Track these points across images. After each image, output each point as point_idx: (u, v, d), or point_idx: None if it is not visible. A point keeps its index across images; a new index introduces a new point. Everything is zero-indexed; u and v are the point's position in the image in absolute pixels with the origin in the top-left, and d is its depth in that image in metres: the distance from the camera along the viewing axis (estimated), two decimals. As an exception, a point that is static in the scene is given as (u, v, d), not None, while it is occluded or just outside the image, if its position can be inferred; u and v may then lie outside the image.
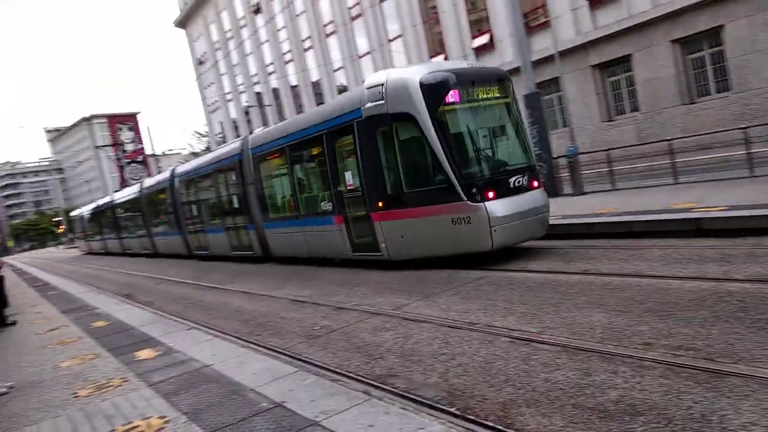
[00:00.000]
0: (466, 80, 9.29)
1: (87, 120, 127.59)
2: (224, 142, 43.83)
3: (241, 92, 49.18)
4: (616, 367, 4.19)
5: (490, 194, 8.77)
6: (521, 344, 5.05)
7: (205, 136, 63.35)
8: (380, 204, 9.94)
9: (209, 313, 9.37)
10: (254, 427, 3.91)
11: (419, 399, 4.20)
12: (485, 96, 9.49)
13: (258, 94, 46.52)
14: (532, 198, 9.35)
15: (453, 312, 6.55)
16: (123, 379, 5.70)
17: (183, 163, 30.49)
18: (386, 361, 5.30)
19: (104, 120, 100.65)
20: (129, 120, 61.95)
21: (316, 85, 39.13)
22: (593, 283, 6.67)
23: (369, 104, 9.78)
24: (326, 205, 11.52)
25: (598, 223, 9.82)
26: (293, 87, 41.77)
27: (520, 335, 5.29)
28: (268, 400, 4.38)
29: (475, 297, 7.06)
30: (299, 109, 39.69)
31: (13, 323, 10.74)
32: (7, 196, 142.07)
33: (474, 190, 8.74)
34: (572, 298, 6.21)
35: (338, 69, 36.58)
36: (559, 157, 15.41)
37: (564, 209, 11.86)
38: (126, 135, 58.78)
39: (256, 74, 46.30)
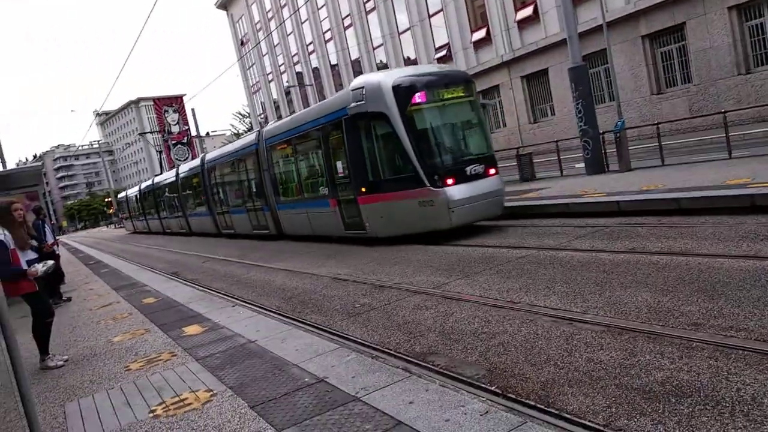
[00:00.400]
0: (433, 83, 10.75)
1: (135, 103, 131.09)
2: (266, 122, 44.30)
3: (282, 72, 49.50)
4: (662, 348, 4.08)
5: (450, 181, 10.19)
6: (563, 323, 4.98)
7: (247, 116, 64.13)
8: (363, 189, 11.46)
9: (253, 291, 9.58)
10: (297, 402, 3.99)
11: (459, 377, 4.20)
12: (449, 96, 10.89)
13: (299, 73, 46.72)
14: (488, 184, 10.68)
15: (494, 291, 6.50)
16: (171, 353, 5.91)
17: (225, 144, 31.19)
18: (426, 339, 5.31)
19: (150, 102, 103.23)
20: (174, 102, 63.19)
21: (356, 63, 39.03)
22: (640, 262, 6.49)
23: (353, 104, 11.23)
24: (324, 190, 13.14)
25: (646, 200, 9.53)
26: (333, 66, 41.77)
27: (562, 314, 5.21)
28: (311, 375, 4.46)
29: (516, 276, 6.98)
30: (339, 87, 39.70)
31: (68, 299, 11.24)
32: (61, 178, 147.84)
33: (436, 177, 10.20)
34: (618, 277, 6.06)
35: (378, 46, 36.34)
36: (606, 132, 14.94)
37: (610, 186, 11.55)
38: (172, 117, 59.97)
39: (296, 54, 46.48)
